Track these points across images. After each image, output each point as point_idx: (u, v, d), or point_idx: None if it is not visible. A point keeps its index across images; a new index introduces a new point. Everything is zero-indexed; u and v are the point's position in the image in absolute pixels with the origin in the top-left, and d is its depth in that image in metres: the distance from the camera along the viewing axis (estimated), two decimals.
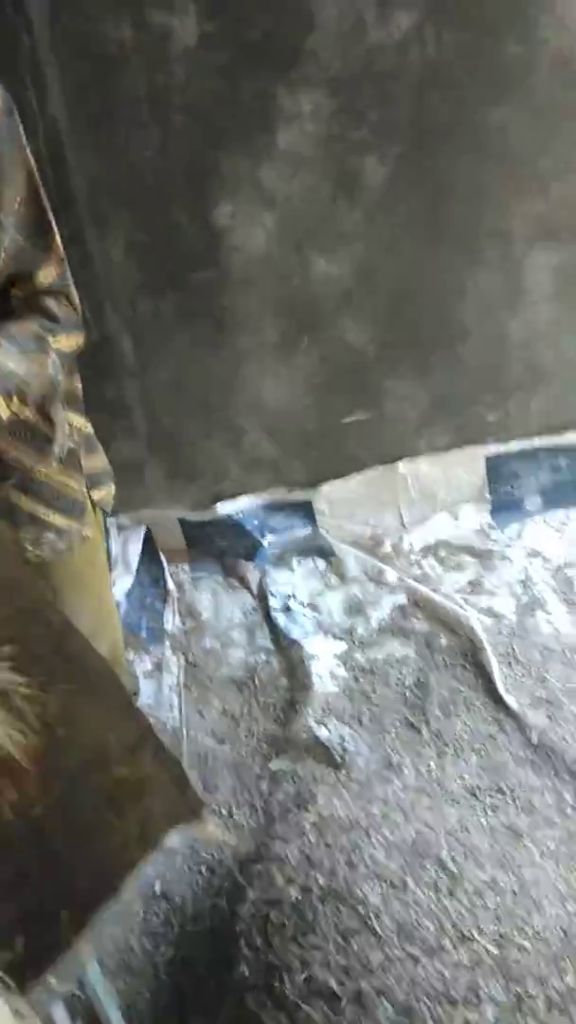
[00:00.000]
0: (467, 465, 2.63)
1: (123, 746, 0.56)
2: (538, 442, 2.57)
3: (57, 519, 1.38)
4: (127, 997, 1.42)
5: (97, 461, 1.55)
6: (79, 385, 1.45)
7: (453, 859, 1.42)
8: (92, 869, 0.51)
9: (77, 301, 1.28)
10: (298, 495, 2.68)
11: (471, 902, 1.34)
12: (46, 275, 1.20)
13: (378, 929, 1.26)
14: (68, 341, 1.23)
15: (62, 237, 1.28)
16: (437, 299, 2.33)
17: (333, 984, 1.21)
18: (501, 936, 1.30)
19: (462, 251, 2.26)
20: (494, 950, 1.28)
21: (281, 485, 2.67)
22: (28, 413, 1.20)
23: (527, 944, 1.31)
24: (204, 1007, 1.34)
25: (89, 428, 1.53)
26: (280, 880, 1.39)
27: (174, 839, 0.50)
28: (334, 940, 1.26)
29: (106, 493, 1.59)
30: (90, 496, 1.48)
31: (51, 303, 1.20)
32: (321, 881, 1.35)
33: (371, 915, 1.28)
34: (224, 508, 2.64)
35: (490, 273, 2.29)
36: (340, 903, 1.31)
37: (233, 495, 2.66)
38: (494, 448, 2.59)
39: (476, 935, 1.28)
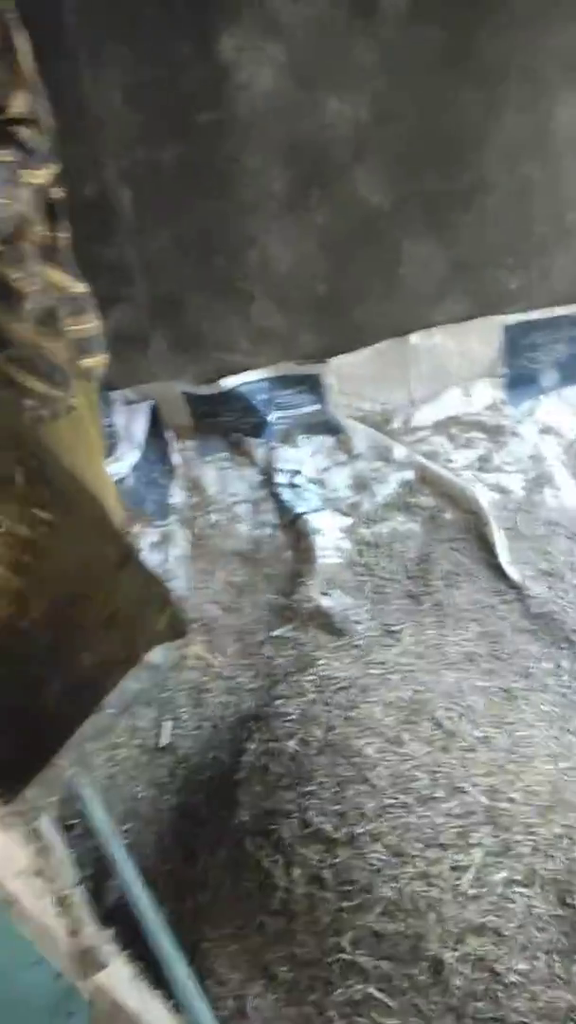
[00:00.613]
0: (483, 337, 2.51)
1: (107, 566, 0.53)
2: (560, 311, 2.44)
3: (36, 385, 1.29)
4: (133, 840, 1.49)
5: (87, 324, 1.45)
6: (62, 236, 1.33)
7: (448, 718, 1.45)
8: (73, 685, 0.49)
9: (49, 125, 1.18)
10: (306, 369, 2.58)
11: (464, 757, 1.37)
12: (15, 104, 1.10)
13: (373, 779, 1.30)
14: (43, 172, 1.14)
15: (55, 79, 1.19)
16: (458, 145, 2.15)
17: (328, 828, 1.26)
18: (492, 788, 1.34)
19: (487, 89, 2.07)
20: (485, 801, 1.32)
21: (289, 359, 2.57)
22: None
23: (517, 796, 1.35)
24: (205, 849, 1.41)
25: (78, 287, 1.42)
26: (280, 733, 1.43)
27: (157, 655, 0.48)
28: (330, 789, 1.30)
29: (97, 361, 1.49)
30: (78, 365, 1.40)
31: (23, 132, 1.11)
32: (319, 735, 1.39)
33: (367, 767, 1.31)
34: (230, 382, 2.56)
35: (517, 116, 2.10)
36: (337, 755, 1.34)
37: (240, 369, 2.57)
38: (513, 318, 2.47)
39: (468, 787, 1.32)
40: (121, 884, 1.31)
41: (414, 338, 2.51)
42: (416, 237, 2.32)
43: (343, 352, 2.52)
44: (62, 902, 0.51)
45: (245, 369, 2.56)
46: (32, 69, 1.13)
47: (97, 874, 1.37)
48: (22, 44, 1.11)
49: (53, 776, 0.45)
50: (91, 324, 1.43)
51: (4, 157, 1.06)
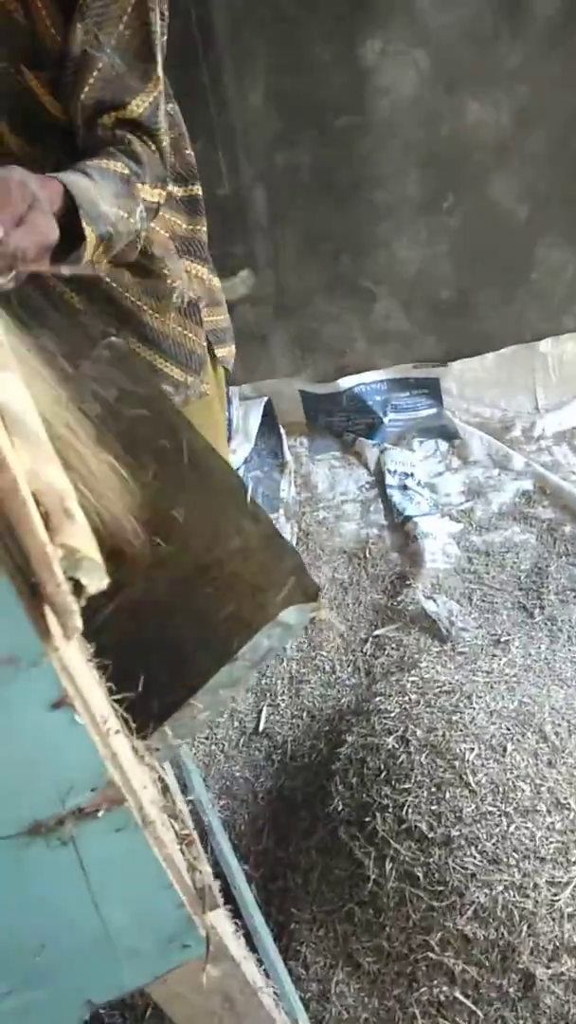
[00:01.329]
0: None
1: (243, 536, 0.56)
2: None
3: (175, 371, 1.35)
4: (228, 817, 1.54)
5: (220, 316, 1.51)
6: (203, 229, 1.40)
7: (556, 733, 1.40)
8: (210, 637, 0.52)
9: (165, 146, 1.10)
10: (426, 372, 2.57)
11: (570, 773, 1.32)
12: (139, 104, 1.04)
13: (473, 784, 1.28)
14: (152, 192, 1.05)
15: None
16: None
17: (423, 827, 1.25)
18: None
19: None
20: None
21: (409, 361, 2.57)
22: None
23: None
24: (298, 833, 1.43)
25: (215, 281, 1.48)
26: (379, 729, 1.43)
27: (290, 614, 0.51)
28: (428, 788, 1.29)
29: (228, 351, 1.56)
30: (212, 352, 1.46)
31: (136, 142, 1.03)
32: (419, 735, 1.38)
33: (467, 771, 1.30)
34: (347, 382, 2.58)
35: None
36: (437, 756, 1.33)
37: (358, 370, 2.59)
38: None
39: (573, 804, 1.28)
40: (216, 856, 1.35)
41: (543, 345, 2.44)
42: (551, 243, 2.26)
43: (466, 357, 2.49)
44: (183, 840, 0.54)
45: (363, 370, 2.57)
46: (163, 79, 1.06)
47: None
48: (159, 28, 1.02)
49: (187, 717, 0.48)
50: (223, 316, 1.49)
51: (118, 168, 0.97)
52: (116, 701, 0.49)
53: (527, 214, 2.20)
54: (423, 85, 2.03)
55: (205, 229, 1.39)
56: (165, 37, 1.05)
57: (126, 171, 0.96)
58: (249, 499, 0.60)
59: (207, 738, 1.72)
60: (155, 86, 1.05)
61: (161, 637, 0.54)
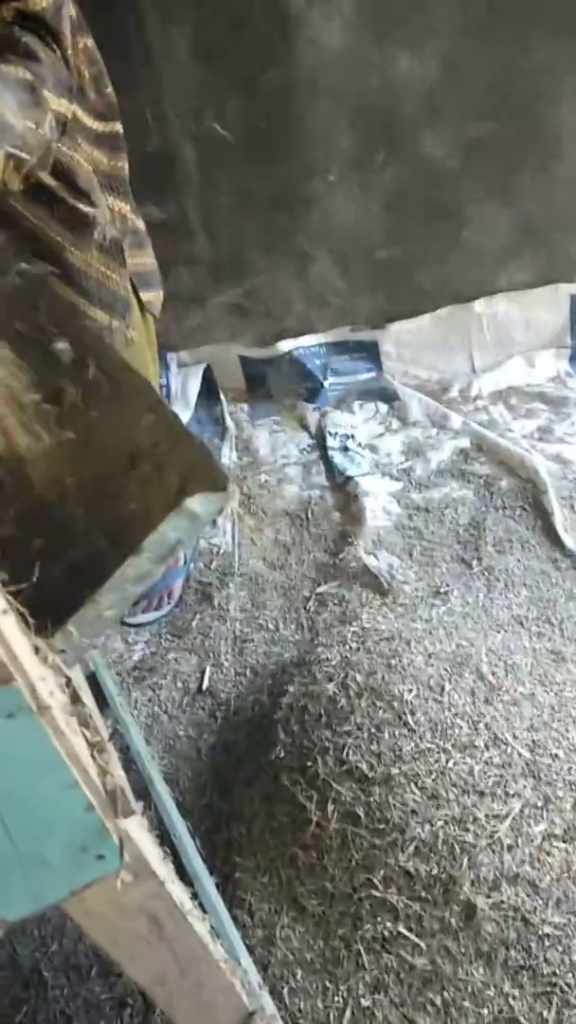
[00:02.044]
0: (549, 305, 2.45)
1: (148, 431, 0.54)
2: None
3: (98, 313, 1.30)
4: (171, 775, 1.52)
5: (146, 259, 1.47)
6: (124, 166, 1.35)
7: (493, 672, 1.42)
8: (113, 529, 0.50)
9: (70, 53, 1.01)
10: (364, 335, 2.56)
11: (507, 710, 1.34)
12: None
13: (412, 723, 1.28)
14: (59, 102, 0.96)
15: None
16: (531, 105, 2.09)
17: (364, 767, 1.26)
18: (535, 743, 1.31)
19: (565, 45, 2.00)
20: (526, 754, 1.29)
21: (346, 324, 2.55)
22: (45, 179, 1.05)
23: (560, 753, 1.32)
24: (241, 783, 1.42)
25: (139, 223, 1.44)
26: (320, 677, 1.43)
27: (195, 503, 0.48)
28: (368, 729, 1.29)
29: (155, 296, 1.51)
30: (137, 297, 1.41)
31: (36, 42, 0.94)
32: (359, 679, 1.38)
33: (406, 711, 1.30)
34: (286, 346, 2.56)
35: None
36: (376, 699, 1.33)
37: (296, 333, 2.57)
38: None
39: (510, 739, 1.30)
40: (157, 811, 1.33)
41: (478, 305, 2.46)
42: (483, 200, 2.27)
43: (403, 318, 2.49)
44: (93, 747, 0.52)
45: (302, 333, 2.55)
46: None
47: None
48: None
49: (92, 615, 0.45)
50: (150, 260, 1.45)
51: (19, 73, 0.88)
52: (12, 594, 0.46)
53: (458, 170, 2.20)
54: (350, 36, 2.00)
55: (127, 167, 1.34)
56: None
57: (28, 76, 0.88)
58: (157, 399, 0.58)
59: (149, 700, 1.70)
60: None
61: (62, 533, 0.52)
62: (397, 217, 2.30)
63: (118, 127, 1.30)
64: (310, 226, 2.33)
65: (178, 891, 0.67)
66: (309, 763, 1.30)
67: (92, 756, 0.52)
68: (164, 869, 0.63)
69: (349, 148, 2.20)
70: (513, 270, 2.38)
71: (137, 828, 0.55)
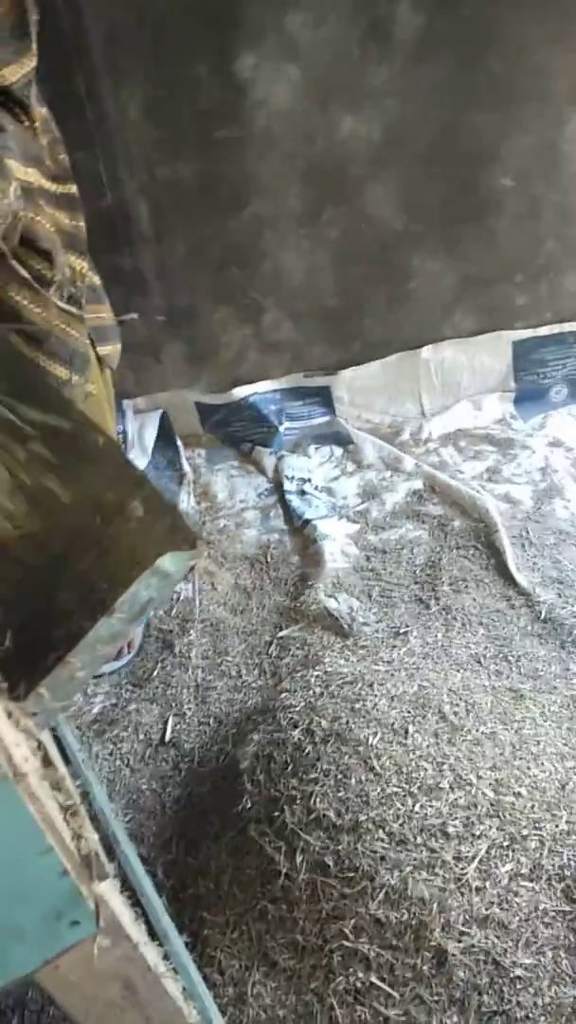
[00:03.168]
0: (493, 351, 2.55)
1: (117, 491, 0.55)
2: (568, 327, 2.48)
3: (59, 369, 1.32)
4: (135, 831, 1.48)
5: (103, 313, 1.49)
6: (82, 225, 1.38)
7: (455, 712, 1.44)
8: (84, 589, 0.50)
9: (39, 125, 1.11)
10: (317, 381, 2.62)
11: (470, 750, 1.36)
12: (12, 72, 1.04)
13: (377, 768, 1.29)
14: (26, 172, 1.05)
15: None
16: (470, 165, 2.21)
17: (332, 815, 1.25)
18: (498, 782, 1.33)
19: (498, 112, 2.13)
20: (491, 794, 1.31)
21: (300, 370, 2.61)
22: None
23: (523, 792, 1.34)
24: (207, 838, 1.40)
25: (96, 279, 1.47)
26: (284, 724, 1.42)
27: (167, 562, 0.50)
28: (334, 776, 1.29)
29: (112, 349, 1.54)
30: (95, 351, 1.43)
31: (3, 114, 1.03)
32: (324, 725, 1.38)
33: (371, 755, 1.31)
34: (241, 392, 2.60)
35: (527, 137, 2.16)
36: (341, 744, 1.34)
37: (251, 380, 2.61)
38: (522, 333, 2.50)
39: (474, 779, 1.31)
40: (123, 869, 1.30)
41: (425, 352, 2.55)
42: (427, 253, 2.37)
43: (354, 365, 2.56)
44: (66, 811, 0.52)
45: (257, 380, 2.60)
46: (36, 56, 1.06)
47: None
48: (31, 9, 1.05)
49: (64, 677, 0.45)
50: (107, 314, 1.47)
51: None
52: None
53: (403, 225, 2.30)
54: (296, 99, 2.09)
55: (84, 226, 1.38)
56: (37, 17, 1.05)
57: None
58: (124, 459, 0.59)
59: (110, 753, 1.67)
60: (29, 60, 1.04)
61: (36, 599, 0.52)
62: (345, 269, 2.39)
63: (74, 189, 1.34)
64: (262, 278, 2.40)
65: (152, 953, 0.67)
66: (276, 813, 1.29)
67: (65, 820, 0.52)
68: (137, 931, 0.63)
69: (298, 204, 2.28)
70: (458, 318, 2.48)
71: (111, 891, 0.55)
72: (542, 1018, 1.15)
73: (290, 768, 1.33)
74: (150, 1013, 0.69)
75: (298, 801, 1.28)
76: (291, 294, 2.43)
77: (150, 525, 0.53)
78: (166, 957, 0.80)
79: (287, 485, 2.46)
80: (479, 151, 2.18)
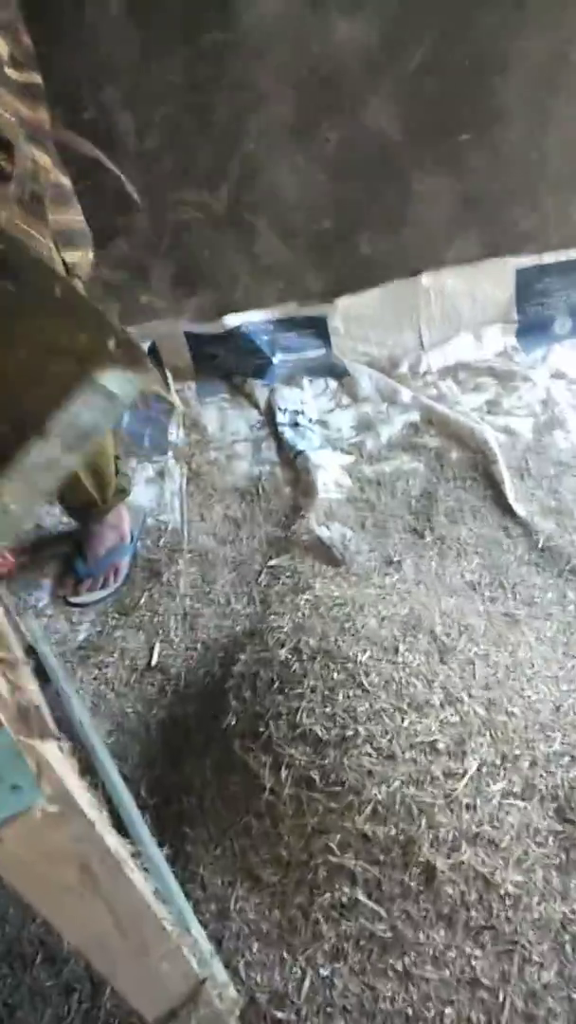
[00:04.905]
0: (496, 279, 2.45)
1: (54, 306, 0.48)
2: (573, 254, 2.37)
3: None
4: (120, 751, 1.45)
5: (71, 217, 1.39)
6: (46, 119, 1.28)
7: (447, 634, 1.39)
8: (17, 413, 0.44)
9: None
10: (312, 310, 2.53)
11: (462, 669, 1.32)
12: None
13: (366, 684, 1.25)
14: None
15: None
16: (474, 71, 2.08)
17: (318, 730, 1.21)
18: (491, 702, 1.29)
19: (505, 13, 1.99)
20: (483, 712, 1.26)
21: (294, 298, 2.51)
22: None
23: (517, 711, 1.30)
24: (192, 755, 1.36)
25: (62, 178, 1.37)
26: (272, 643, 1.38)
27: (109, 380, 0.43)
28: (321, 692, 1.25)
29: (81, 256, 1.43)
30: (62, 258, 1.34)
31: None
32: (312, 643, 1.34)
33: (360, 672, 1.26)
34: (233, 321, 2.50)
35: (537, 42, 2.03)
36: (329, 661, 1.29)
37: (243, 308, 2.52)
38: (526, 260, 2.40)
39: (465, 698, 1.27)
40: (107, 789, 1.26)
41: (425, 279, 2.44)
42: (427, 171, 2.26)
43: (350, 292, 2.46)
44: (3, 663, 0.46)
45: (249, 308, 2.50)
46: None
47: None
48: None
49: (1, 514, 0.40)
50: (76, 217, 1.38)
51: None
52: None
53: (402, 138, 2.18)
54: (289, 2, 1.96)
55: (48, 119, 1.28)
56: None
57: None
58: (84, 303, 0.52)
59: (95, 679, 1.63)
60: None
61: None
62: (342, 188, 2.27)
63: (37, 78, 1.24)
64: (253, 196, 2.28)
65: (113, 839, 0.62)
66: (261, 729, 1.25)
67: (2, 673, 0.46)
68: (95, 813, 0.58)
69: (291, 115, 2.16)
70: (460, 243, 2.38)
71: (58, 757, 0.50)
72: (530, 932, 1.13)
73: (276, 685, 1.29)
74: (115, 906, 0.65)
75: (284, 717, 1.24)
76: (284, 214, 2.32)
77: (96, 348, 0.46)
78: (138, 856, 0.75)
79: (280, 418, 2.38)
80: (483, 57, 2.05)
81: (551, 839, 1.20)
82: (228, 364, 2.57)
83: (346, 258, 2.41)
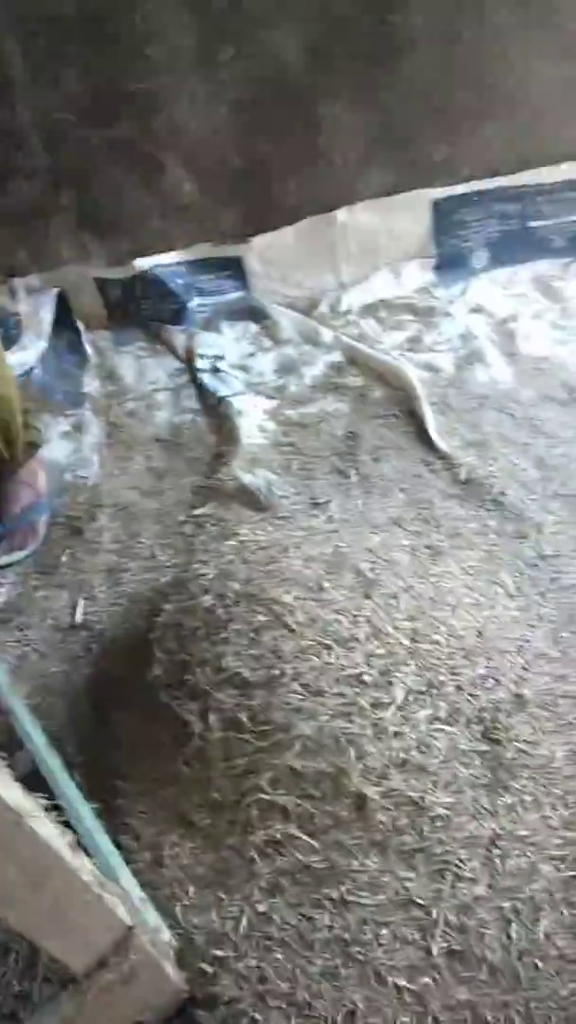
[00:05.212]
0: (411, 212, 2.41)
1: None
2: (489, 184, 2.35)
3: None
4: (44, 713, 1.41)
5: None
6: None
7: (372, 570, 1.39)
8: None
9: None
10: (227, 251, 2.44)
11: (387, 603, 1.32)
12: None
13: (291, 623, 1.24)
14: None
15: None
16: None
17: (245, 672, 1.20)
18: (415, 632, 1.30)
19: None
20: (408, 643, 1.27)
21: (207, 239, 2.42)
22: None
23: (441, 639, 1.31)
24: (118, 709, 1.34)
25: None
26: (196, 591, 1.35)
27: None
28: (246, 635, 1.23)
29: None
30: None
31: None
32: (236, 587, 1.32)
33: (285, 612, 1.25)
34: (144, 263, 2.40)
35: None
36: (254, 604, 1.27)
37: (155, 251, 2.41)
38: (441, 192, 2.36)
39: (390, 630, 1.28)
40: (31, 752, 1.23)
41: (340, 215, 2.38)
42: (336, 100, 2.18)
43: (265, 231, 2.39)
44: None
45: (160, 251, 2.40)
46: None
47: (6, 747, 1.29)
48: None
49: None
50: None
51: None
52: None
53: (308, 68, 2.09)
54: None
55: None
56: None
57: None
58: None
59: (17, 641, 1.57)
60: None
61: None
62: (249, 121, 2.18)
63: None
64: (158, 131, 2.17)
65: (14, 794, 0.59)
66: (188, 677, 1.23)
67: None
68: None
69: (192, 43, 2.04)
70: (373, 176, 2.32)
71: None
72: (461, 851, 1.16)
73: (201, 632, 1.27)
74: (19, 859, 0.62)
75: (209, 663, 1.22)
76: (191, 150, 2.21)
77: None
78: (56, 808, 0.73)
79: (199, 364, 2.31)
80: None
81: (478, 760, 1.23)
82: (143, 310, 2.47)
83: (258, 195, 2.33)
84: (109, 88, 2.08)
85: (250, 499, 1.84)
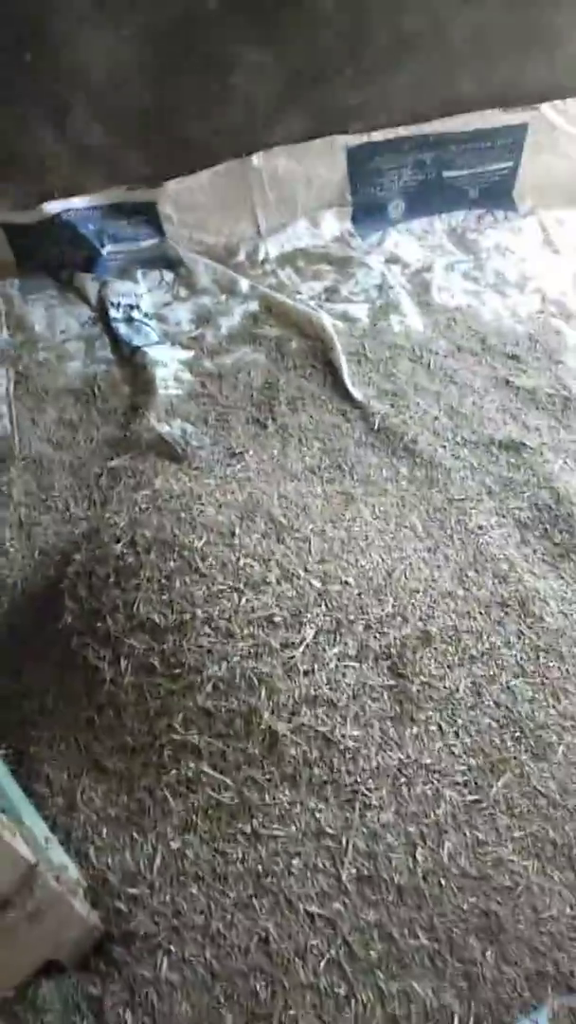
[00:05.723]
0: (327, 159, 2.38)
1: None
2: (403, 131, 2.34)
3: None
4: None
5: None
6: None
7: (285, 515, 1.41)
8: None
9: None
10: (140, 195, 2.36)
11: (298, 547, 1.34)
12: None
13: (202, 568, 1.24)
14: None
15: None
16: None
17: (156, 618, 1.20)
18: (326, 574, 1.32)
19: None
20: (318, 584, 1.30)
21: (119, 183, 2.34)
22: None
23: (351, 580, 1.34)
24: (30, 661, 1.32)
25: None
26: (107, 540, 1.34)
27: None
28: (158, 581, 1.23)
29: None
30: None
31: None
32: (148, 535, 1.31)
33: (196, 558, 1.26)
34: (54, 207, 2.30)
35: None
36: (166, 551, 1.27)
37: (64, 194, 2.31)
38: (356, 138, 2.34)
39: (301, 572, 1.30)
40: None
41: (256, 160, 2.33)
42: (246, 41, 2.11)
43: (179, 175, 2.32)
44: None
45: (71, 195, 2.30)
46: None
47: None
48: None
49: None
50: None
51: None
52: None
53: (219, 6, 2.01)
54: None
55: None
56: None
57: None
58: None
59: None
60: None
61: None
62: (158, 60, 2.09)
63: None
64: (62, 69, 2.06)
65: None
66: (99, 624, 1.22)
67: None
68: None
69: None
70: (288, 120, 2.27)
71: None
72: (369, 781, 1.20)
73: (112, 580, 1.26)
74: None
75: (121, 609, 1.22)
76: (98, 89, 2.11)
77: None
78: None
79: (113, 313, 2.25)
80: None
81: (386, 694, 1.27)
82: (53, 257, 2.37)
83: (171, 138, 2.26)
84: (10, 23, 1.95)
85: (167, 450, 1.82)
